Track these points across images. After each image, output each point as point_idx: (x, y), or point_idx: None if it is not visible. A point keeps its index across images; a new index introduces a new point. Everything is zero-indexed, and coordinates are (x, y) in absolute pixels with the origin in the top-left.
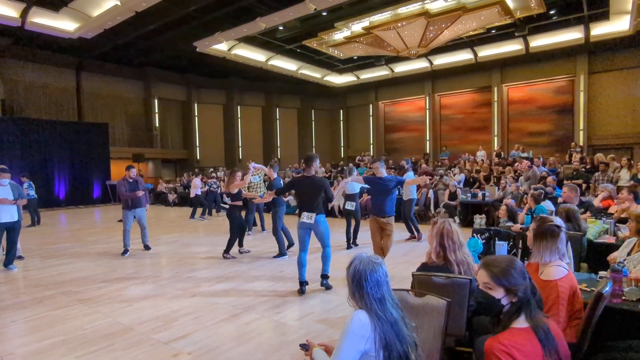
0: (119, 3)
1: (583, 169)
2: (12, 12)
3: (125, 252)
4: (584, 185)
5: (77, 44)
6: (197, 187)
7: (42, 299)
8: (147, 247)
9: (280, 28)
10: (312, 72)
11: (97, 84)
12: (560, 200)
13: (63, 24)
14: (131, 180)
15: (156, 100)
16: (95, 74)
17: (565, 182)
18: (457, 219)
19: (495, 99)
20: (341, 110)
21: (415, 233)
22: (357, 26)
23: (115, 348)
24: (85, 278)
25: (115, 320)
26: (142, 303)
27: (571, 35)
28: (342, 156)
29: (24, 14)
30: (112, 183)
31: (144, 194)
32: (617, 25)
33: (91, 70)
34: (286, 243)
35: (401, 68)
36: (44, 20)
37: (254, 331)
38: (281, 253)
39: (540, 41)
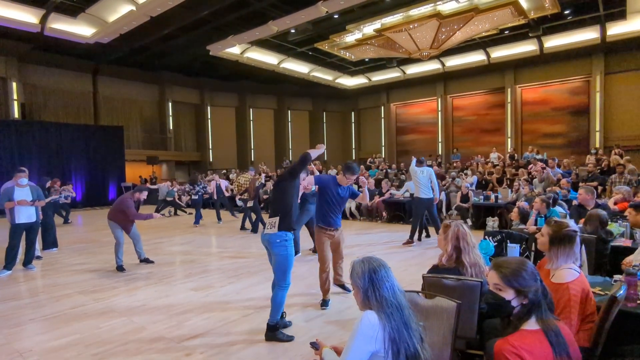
0: (134, 8)
1: (598, 171)
2: (32, 19)
3: (120, 267)
4: (599, 188)
5: (93, 49)
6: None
7: (59, 298)
8: (146, 261)
9: (292, 31)
10: (323, 75)
11: (112, 88)
12: (575, 203)
13: (80, 29)
14: (135, 201)
15: (170, 104)
16: (111, 78)
17: (580, 184)
18: (469, 221)
19: (509, 100)
20: (352, 112)
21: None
22: (369, 28)
23: (129, 347)
24: (101, 278)
25: (129, 320)
26: (155, 303)
27: (587, 35)
28: (354, 158)
29: (44, 20)
30: (127, 185)
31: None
32: (634, 24)
33: (107, 75)
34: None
35: (413, 70)
36: (62, 26)
37: (265, 331)
38: (296, 251)
39: (555, 41)
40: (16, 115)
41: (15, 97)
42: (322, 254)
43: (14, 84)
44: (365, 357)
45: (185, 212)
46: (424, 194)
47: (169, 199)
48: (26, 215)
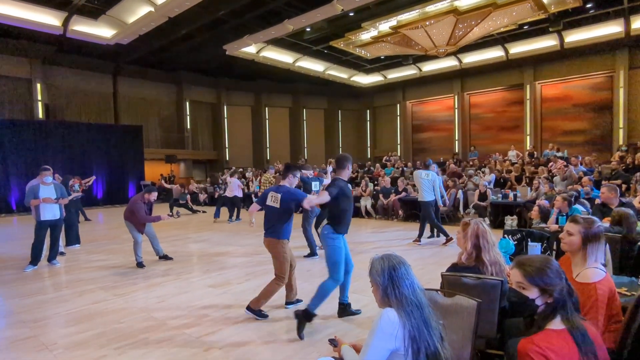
0: (153, 9)
1: (622, 169)
2: (55, 21)
3: (140, 264)
4: (623, 186)
5: (113, 50)
6: (236, 187)
7: (82, 293)
8: (165, 257)
9: (308, 30)
10: (339, 73)
11: (132, 88)
12: (597, 201)
13: (101, 31)
14: (146, 203)
15: (187, 103)
16: (130, 78)
17: (603, 182)
18: (487, 219)
19: (528, 96)
20: (368, 111)
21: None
22: (385, 26)
23: (149, 341)
24: (122, 274)
25: (149, 315)
26: (174, 299)
27: (610, 29)
28: (369, 156)
29: (66, 23)
30: (146, 183)
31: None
32: None
33: (127, 75)
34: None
35: (429, 67)
36: (83, 28)
37: (282, 328)
38: (313, 253)
39: (577, 36)
40: (40, 115)
41: (39, 97)
42: (287, 264)
43: (39, 85)
44: (385, 355)
45: (199, 211)
46: (429, 197)
47: (182, 201)
48: (51, 212)
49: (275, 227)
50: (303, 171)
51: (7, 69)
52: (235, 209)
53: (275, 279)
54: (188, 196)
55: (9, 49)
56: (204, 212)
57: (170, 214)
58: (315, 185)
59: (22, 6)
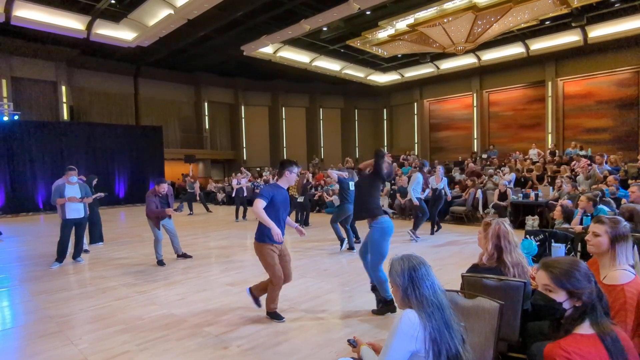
0: (172, 12)
1: None
2: (79, 25)
3: (160, 262)
4: None
5: (134, 53)
6: (235, 187)
7: (106, 290)
8: (184, 256)
9: (324, 29)
10: (355, 72)
11: (152, 89)
12: (624, 201)
13: (123, 34)
14: (161, 196)
15: (206, 104)
16: (151, 80)
17: (630, 181)
18: (507, 220)
19: (550, 94)
20: (385, 109)
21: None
22: (402, 24)
23: (170, 338)
24: (143, 272)
25: (169, 312)
26: (193, 297)
27: (636, 23)
28: None
29: (89, 27)
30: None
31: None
32: None
33: (147, 77)
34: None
35: (447, 65)
36: (106, 31)
37: (299, 328)
38: (343, 243)
39: (601, 31)
40: (65, 116)
41: (64, 99)
42: (274, 269)
43: (64, 88)
44: (405, 357)
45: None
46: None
47: (190, 190)
48: (75, 211)
49: (259, 228)
50: (339, 172)
51: (34, 72)
52: (241, 208)
53: (269, 282)
54: (196, 184)
55: (36, 53)
56: (210, 211)
57: (175, 209)
58: (351, 185)
59: (48, 11)
